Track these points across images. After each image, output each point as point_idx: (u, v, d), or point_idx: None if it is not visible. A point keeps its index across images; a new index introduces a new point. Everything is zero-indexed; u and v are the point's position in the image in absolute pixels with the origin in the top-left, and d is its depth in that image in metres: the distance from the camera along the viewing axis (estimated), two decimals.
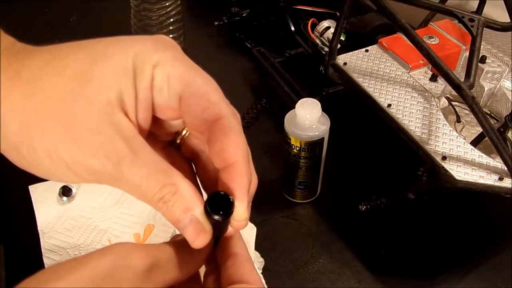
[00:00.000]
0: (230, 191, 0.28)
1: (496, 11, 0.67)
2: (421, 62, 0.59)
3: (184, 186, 0.27)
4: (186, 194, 0.27)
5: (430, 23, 0.64)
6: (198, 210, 0.28)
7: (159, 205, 0.27)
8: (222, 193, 0.28)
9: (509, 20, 0.58)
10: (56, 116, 0.26)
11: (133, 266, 0.26)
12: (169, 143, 0.34)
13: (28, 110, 0.26)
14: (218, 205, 0.28)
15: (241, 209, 0.28)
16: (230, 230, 0.30)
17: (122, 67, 0.27)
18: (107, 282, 0.25)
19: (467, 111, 0.60)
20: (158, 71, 0.28)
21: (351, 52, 0.61)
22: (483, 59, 0.60)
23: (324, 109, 0.53)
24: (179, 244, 0.29)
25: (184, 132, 0.33)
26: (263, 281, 0.50)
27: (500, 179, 0.46)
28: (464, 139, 0.51)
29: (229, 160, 0.28)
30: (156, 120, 0.30)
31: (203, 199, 0.28)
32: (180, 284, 0.30)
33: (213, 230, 0.28)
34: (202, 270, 0.33)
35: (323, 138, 0.54)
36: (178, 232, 0.31)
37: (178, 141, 0.34)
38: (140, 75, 0.28)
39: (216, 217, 0.28)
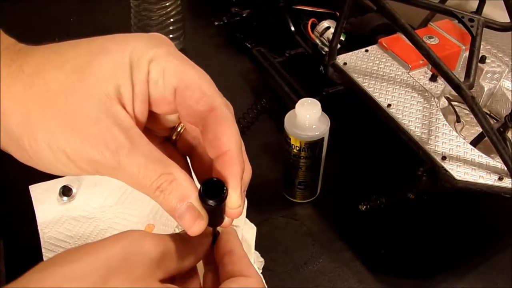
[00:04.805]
0: (223, 179, 0.29)
1: (496, 11, 0.67)
2: (421, 62, 0.59)
3: (180, 175, 0.28)
4: (183, 183, 0.28)
5: (430, 23, 0.64)
6: (193, 197, 0.28)
7: (156, 193, 0.28)
8: (215, 179, 0.29)
9: (509, 20, 0.58)
10: (57, 107, 0.27)
11: (147, 253, 0.27)
12: (165, 139, 0.35)
13: (29, 102, 0.27)
14: (212, 191, 0.28)
15: (234, 196, 0.29)
16: (226, 221, 0.31)
17: (120, 62, 0.28)
18: (122, 266, 0.26)
19: (467, 111, 0.60)
20: (153, 65, 0.29)
21: (351, 52, 0.61)
22: (483, 59, 0.60)
23: (324, 109, 0.53)
24: (180, 236, 0.30)
25: (179, 128, 0.34)
26: (263, 281, 0.50)
27: (500, 179, 0.46)
28: (464, 139, 0.51)
29: (222, 149, 0.29)
30: (153, 116, 0.31)
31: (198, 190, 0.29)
32: (180, 284, 0.30)
33: (209, 218, 0.29)
34: (201, 271, 0.33)
35: (323, 138, 0.54)
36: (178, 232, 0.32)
37: (174, 137, 0.35)
38: (137, 69, 0.29)
39: (211, 201, 0.28)
